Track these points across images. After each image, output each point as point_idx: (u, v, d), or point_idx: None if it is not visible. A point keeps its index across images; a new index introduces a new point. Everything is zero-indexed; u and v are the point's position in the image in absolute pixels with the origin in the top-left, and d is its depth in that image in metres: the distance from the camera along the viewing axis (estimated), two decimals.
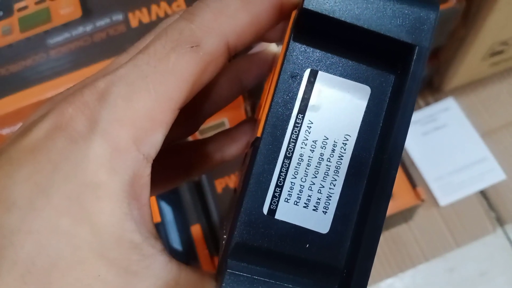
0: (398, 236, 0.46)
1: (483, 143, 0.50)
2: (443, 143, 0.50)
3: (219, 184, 0.41)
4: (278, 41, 0.19)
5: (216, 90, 0.20)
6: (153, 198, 0.39)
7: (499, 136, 0.51)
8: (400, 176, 0.42)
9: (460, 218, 0.47)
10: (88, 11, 0.34)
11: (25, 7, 0.35)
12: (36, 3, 0.35)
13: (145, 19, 0.34)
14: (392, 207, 0.41)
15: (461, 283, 0.45)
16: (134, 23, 0.34)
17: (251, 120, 0.22)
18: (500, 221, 0.47)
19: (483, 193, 0.48)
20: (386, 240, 0.46)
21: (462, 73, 0.49)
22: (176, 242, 0.39)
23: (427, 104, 0.52)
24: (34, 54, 0.33)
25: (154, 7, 0.34)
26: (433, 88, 0.53)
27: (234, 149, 0.21)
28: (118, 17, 0.34)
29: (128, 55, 0.16)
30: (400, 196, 0.42)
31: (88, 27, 0.34)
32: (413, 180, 0.42)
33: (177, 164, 0.21)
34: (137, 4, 0.35)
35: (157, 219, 0.38)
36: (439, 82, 0.52)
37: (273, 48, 0.20)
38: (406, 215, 0.45)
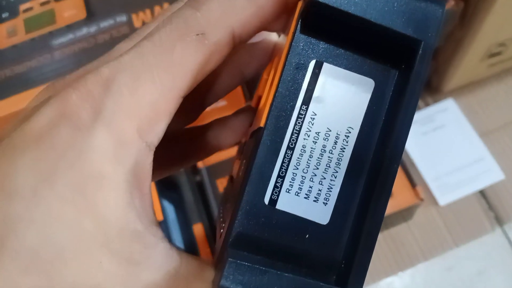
0: (397, 236, 0.47)
1: (482, 143, 0.50)
2: (442, 143, 0.51)
3: (221, 184, 0.41)
4: (279, 31, 0.19)
5: (217, 79, 0.19)
6: (156, 197, 0.40)
7: (497, 136, 0.51)
8: (399, 175, 0.43)
9: (459, 218, 0.47)
10: (92, 12, 0.35)
11: (30, 9, 0.36)
12: (41, 5, 0.36)
13: (148, 20, 0.34)
14: (392, 206, 0.42)
15: (459, 282, 0.45)
16: (137, 24, 0.34)
17: (248, 109, 0.22)
18: (499, 221, 0.47)
19: (481, 193, 0.48)
20: (386, 239, 0.46)
21: (461, 74, 0.49)
22: (178, 240, 0.39)
23: (426, 104, 0.53)
24: (38, 55, 0.34)
25: (157, 8, 0.35)
26: (431, 89, 0.53)
27: (230, 137, 0.21)
28: (122, 18, 0.35)
29: (131, 42, 0.16)
30: (399, 196, 0.42)
31: (92, 29, 0.34)
32: (413, 179, 0.43)
33: (173, 151, 0.21)
34: (140, 5, 0.35)
35: (160, 218, 0.39)
36: (438, 83, 0.52)
37: (274, 37, 0.20)
38: (405, 214, 0.45)
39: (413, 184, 0.42)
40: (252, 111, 0.21)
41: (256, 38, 0.20)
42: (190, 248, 0.39)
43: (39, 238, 0.12)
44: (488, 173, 0.49)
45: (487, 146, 0.50)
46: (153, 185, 0.40)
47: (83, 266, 0.13)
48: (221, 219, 0.19)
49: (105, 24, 0.34)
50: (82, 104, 0.13)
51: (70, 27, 0.34)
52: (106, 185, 0.13)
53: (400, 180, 0.43)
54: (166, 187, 0.41)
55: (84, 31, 0.34)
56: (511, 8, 0.41)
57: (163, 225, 0.39)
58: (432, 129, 0.51)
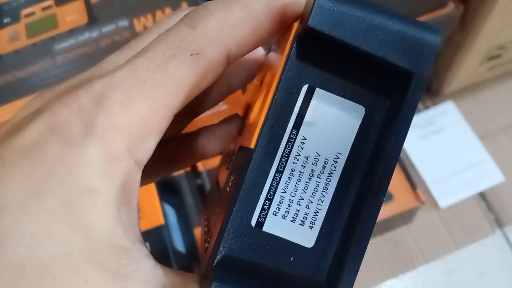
0: (398, 238, 0.47)
1: (482, 146, 0.51)
2: (442, 146, 0.51)
3: None
4: (271, 43, 0.19)
5: (205, 92, 0.20)
6: (157, 201, 0.40)
7: (497, 139, 0.51)
8: (400, 178, 0.43)
9: (459, 220, 0.48)
10: (94, 17, 0.35)
11: (31, 14, 0.36)
12: (43, 10, 0.36)
13: (150, 25, 0.34)
14: (393, 209, 0.42)
15: (460, 284, 0.45)
16: (139, 28, 0.34)
17: (235, 117, 0.22)
18: (499, 223, 0.48)
19: (482, 195, 0.49)
20: (387, 242, 0.47)
21: (460, 77, 0.50)
22: (179, 244, 0.39)
23: (426, 107, 0.53)
24: (40, 60, 0.34)
25: (158, 13, 0.35)
26: (431, 92, 0.53)
27: (216, 145, 0.21)
28: (124, 23, 0.35)
29: (123, 54, 0.16)
30: (400, 198, 0.42)
31: (94, 33, 0.34)
32: (413, 182, 0.43)
33: (159, 158, 0.21)
34: (142, 10, 0.35)
35: (161, 221, 0.39)
36: (438, 86, 0.52)
37: (261, 51, 0.20)
38: (406, 217, 0.45)
39: (413, 186, 0.43)
40: (239, 119, 0.21)
41: None
42: (191, 251, 0.39)
43: (28, 253, 0.12)
44: (488, 175, 0.49)
45: (487, 149, 0.50)
46: (154, 189, 0.40)
47: (72, 281, 0.13)
48: (206, 228, 0.19)
49: (106, 29, 0.34)
50: (73, 119, 0.13)
51: (72, 32, 0.35)
52: (96, 200, 0.13)
53: (400, 183, 0.43)
54: (167, 191, 0.41)
55: (86, 36, 0.34)
56: (510, 11, 0.41)
57: (164, 228, 0.39)
58: (432, 132, 0.51)
